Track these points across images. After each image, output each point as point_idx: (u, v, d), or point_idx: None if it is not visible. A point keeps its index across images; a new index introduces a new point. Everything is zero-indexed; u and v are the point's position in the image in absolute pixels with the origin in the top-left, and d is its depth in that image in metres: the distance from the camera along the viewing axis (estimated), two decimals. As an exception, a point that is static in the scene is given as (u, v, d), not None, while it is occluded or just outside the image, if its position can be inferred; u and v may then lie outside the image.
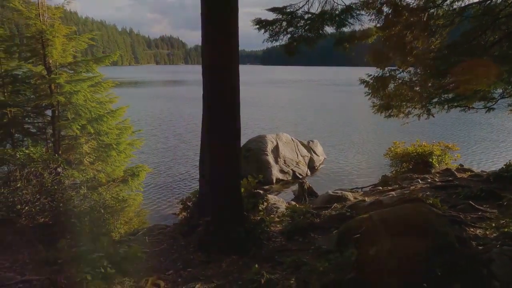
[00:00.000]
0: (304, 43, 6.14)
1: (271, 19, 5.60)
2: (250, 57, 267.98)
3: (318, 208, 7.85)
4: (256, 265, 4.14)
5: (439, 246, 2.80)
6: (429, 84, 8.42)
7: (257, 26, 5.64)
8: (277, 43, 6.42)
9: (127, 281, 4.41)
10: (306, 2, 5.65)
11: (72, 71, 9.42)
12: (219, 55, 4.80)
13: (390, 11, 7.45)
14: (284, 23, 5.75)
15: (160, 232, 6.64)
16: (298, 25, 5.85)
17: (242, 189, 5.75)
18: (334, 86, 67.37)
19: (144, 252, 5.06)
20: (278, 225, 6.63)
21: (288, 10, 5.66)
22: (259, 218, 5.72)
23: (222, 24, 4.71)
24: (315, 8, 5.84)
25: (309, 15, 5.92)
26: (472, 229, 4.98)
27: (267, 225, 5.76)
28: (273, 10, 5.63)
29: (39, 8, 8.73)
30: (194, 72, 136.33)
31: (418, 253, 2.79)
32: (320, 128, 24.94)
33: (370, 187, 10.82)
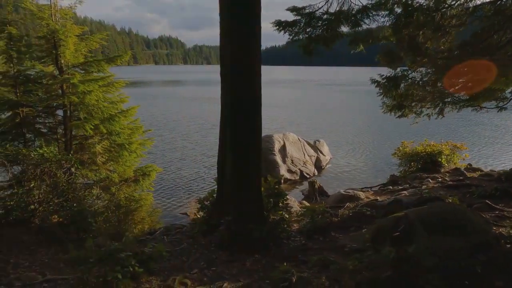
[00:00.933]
0: (322, 42, 6.16)
1: (291, 20, 5.65)
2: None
3: (332, 207, 7.89)
4: (285, 264, 4.16)
5: (479, 244, 2.84)
6: (439, 84, 8.46)
7: (277, 27, 5.67)
8: (297, 44, 6.46)
9: (154, 280, 4.45)
10: (326, 3, 5.69)
11: (83, 71, 9.43)
12: (243, 53, 4.81)
13: (402, 12, 7.49)
14: (303, 24, 5.78)
15: (178, 232, 6.66)
16: (316, 25, 5.88)
17: (262, 188, 5.77)
18: (335, 86, 67.52)
19: (167, 251, 5.09)
20: (294, 224, 6.67)
21: (307, 10, 5.70)
22: (278, 217, 5.74)
23: (245, 20, 4.72)
24: (334, 9, 5.88)
25: (327, 16, 5.95)
26: (494, 228, 5.01)
27: (287, 224, 5.79)
28: (292, 10, 5.66)
29: (51, 8, 8.74)
30: (194, 72, 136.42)
31: (458, 250, 2.82)
32: (324, 127, 25.00)
33: (379, 186, 10.86)
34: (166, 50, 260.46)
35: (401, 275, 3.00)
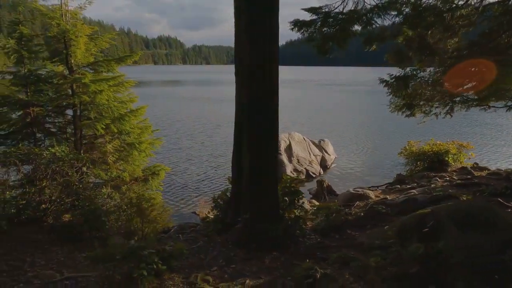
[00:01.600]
0: (336, 42, 6.22)
1: (308, 19, 5.70)
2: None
3: (342, 205, 7.94)
4: (308, 260, 4.21)
5: (508, 240, 2.89)
6: (446, 84, 8.51)
7: (294, 27, 5.72)
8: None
9: (176, 277, 4.48)
10: (342, 3, 5.75)
11: (93, 71, 9.47)
12: (262, 52, 4.85)
13: (410, 12, 7.54)
14: (319, 23, 5.83)
15: (192, 230, 6.70)
16: (331, 24, 5.93)
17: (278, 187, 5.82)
18: (335, 86, 67.57)
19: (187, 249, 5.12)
20: (308, 223, 6.70)
21: (324, 10, 5.76)
22: (294, 215, 5.78)
23: (265, 17, 4.76)
24: (349, 8, 5.93)
25: (342, 16, 6.00)
26: (511, 225, 5.06)
27: (303, 222, 5.83)
28: (309, 10, 5.72)
29: (61, 9, 8.78)
30: (193, 72, 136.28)
31: (487, 246, 2.87)
32: (327, 127, 25.05)
33: (386, 185, 10.92)
34: (165, 50, 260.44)
35: (429, 271, 3.05)
